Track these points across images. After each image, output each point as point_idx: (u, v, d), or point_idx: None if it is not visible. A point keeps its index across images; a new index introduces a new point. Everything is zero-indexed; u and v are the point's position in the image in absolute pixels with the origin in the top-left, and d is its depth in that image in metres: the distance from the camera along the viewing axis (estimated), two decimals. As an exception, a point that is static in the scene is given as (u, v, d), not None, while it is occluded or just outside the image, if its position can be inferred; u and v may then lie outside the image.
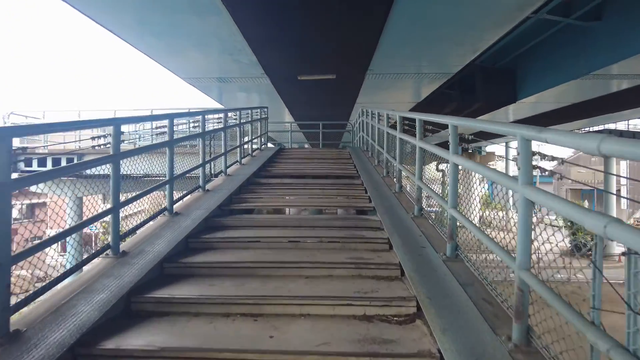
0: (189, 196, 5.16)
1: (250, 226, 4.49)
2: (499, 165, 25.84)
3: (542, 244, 2.08)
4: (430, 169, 4.50)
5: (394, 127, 5.71)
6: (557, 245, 2.19)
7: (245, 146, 8.36)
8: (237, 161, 7.59)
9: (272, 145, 13.59)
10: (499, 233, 2.56)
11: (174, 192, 4.46)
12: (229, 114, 7.27)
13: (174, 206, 4.51)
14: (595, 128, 21.34)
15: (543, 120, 17.41)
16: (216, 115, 8.23)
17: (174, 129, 4.65)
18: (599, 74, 9.02)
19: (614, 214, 25.12)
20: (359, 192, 5.94)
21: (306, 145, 23.03)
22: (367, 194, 5.60)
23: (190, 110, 12.25)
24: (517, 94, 12.93)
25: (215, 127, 7.12)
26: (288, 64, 9.33)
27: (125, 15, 6.79)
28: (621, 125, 20.86)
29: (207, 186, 5.64)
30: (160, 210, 4.34)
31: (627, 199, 33.92)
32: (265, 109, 11.19)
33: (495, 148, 29.34)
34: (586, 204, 32.17)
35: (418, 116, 4.24)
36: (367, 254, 3.53)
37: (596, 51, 8.71)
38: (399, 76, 9.74)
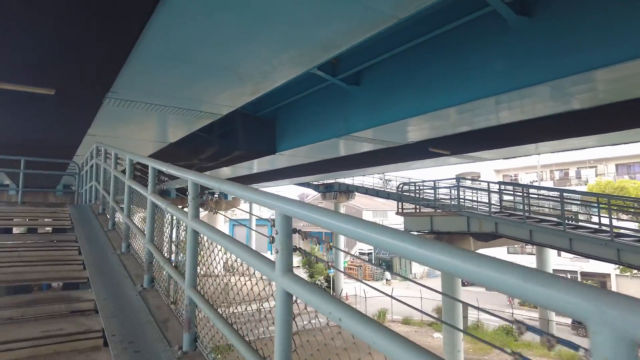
0: None
1: None
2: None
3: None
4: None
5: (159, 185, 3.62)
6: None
7: None
8: None
9: None
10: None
11: None
12: None
13: None
14: (327, 181, 24.67)
15: (288, 172, 18.44)
16: None
17: None
18: (356, 136, 9.54)
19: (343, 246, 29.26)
20: None
21: (10, 184, 16.34)
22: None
23: None
24: (276, 146, 12.78)
25: None
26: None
27: None
28: (349, 180, 24.74)
29: None
30: None
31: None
32: None
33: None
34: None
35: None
36: None
37: (355, 114, 9.18)
38: (155, 108, 7.47)
